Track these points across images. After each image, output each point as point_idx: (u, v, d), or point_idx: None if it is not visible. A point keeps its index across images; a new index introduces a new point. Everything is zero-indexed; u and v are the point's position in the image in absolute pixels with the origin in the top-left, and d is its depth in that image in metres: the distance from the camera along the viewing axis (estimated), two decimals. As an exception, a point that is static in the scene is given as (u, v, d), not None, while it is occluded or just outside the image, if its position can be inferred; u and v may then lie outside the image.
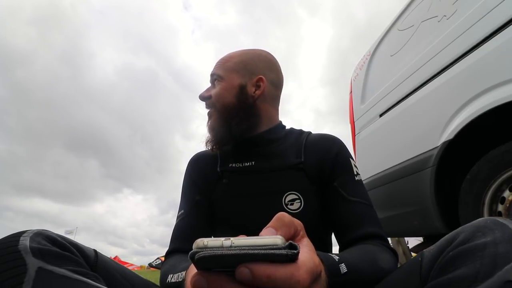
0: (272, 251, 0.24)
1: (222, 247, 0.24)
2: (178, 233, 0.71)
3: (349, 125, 2.47)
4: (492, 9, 1.28)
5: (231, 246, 0.24)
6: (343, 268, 0.43)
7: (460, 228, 0.37)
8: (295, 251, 0.25)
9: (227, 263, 0.24)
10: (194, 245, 0.25)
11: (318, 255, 0.38)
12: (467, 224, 0.37)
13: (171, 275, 0.52)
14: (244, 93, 0.75)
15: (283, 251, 0.24)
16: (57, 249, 0.40)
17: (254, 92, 0.76)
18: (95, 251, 0.50)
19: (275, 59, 0.84)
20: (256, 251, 0.23)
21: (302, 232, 0.31)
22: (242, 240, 0.24)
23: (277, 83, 0.81)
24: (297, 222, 0.31)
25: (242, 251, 0.23)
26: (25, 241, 0.39)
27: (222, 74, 0.77)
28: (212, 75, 0.79)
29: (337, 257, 0.45)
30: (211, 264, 0.25)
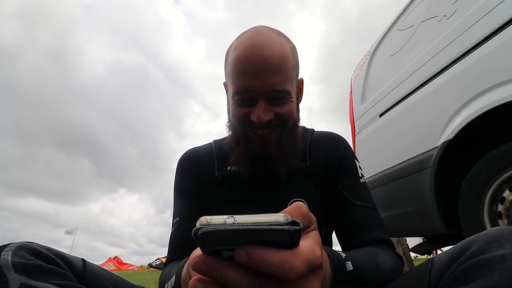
0: (274, 227, 0.24)
1: (224, 224, 0.24)
2: (175, 242, 0.67)
3: (348, 125, 2.47)
4: (492, 9, 1.28)
5: (233, 223, 0.24)
6: (349, 265, 0.43)
7: (473, 236, 0.36)
8: (297, 227, 0.24)
9: (229, 241, 0.24)
10: (198, 222, 0.25)
11: (325, 250, 0.38)
12: (481, 233, 0.36)
13: (166, 284, 0.51)
14: (297, 104, 0.67)
15: (285, 227, 0.24)
16: (41, 263, 0.39)
17: (298, 98, 0.68)
18: (83, 260, 0.49)
19: None
20: (257, 227, 0.24)
21: (314, 225, 0.31)
22: (245, 218, 0.24)
23: None
24: (312, 216, 0.31)
25: (244, 227, 0.24)
26: (6, 256, 0.37)
27: (291, 89, 0.61)
28: (278, 91, 0.59)
29: (344, 255, 0.44)
30: (213, 241, 0.24)
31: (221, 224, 0.24)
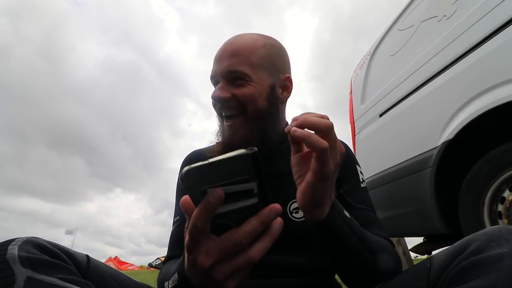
0: (233, 154, 0.30)
1: (201, 164, 0.30)
2: (174, 240, 0.69)
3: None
4: (492, 9, 1.28)
5: (207, 161, 0.30)
6: (347, 214, 0.49)
7: (472, 235, 0.36)
8: (253, 149, 0.30)
9: (208, 178, 0.30)
10: (183, 170, 0.30)
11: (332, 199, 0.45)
12: (479, 232, 0.36)
13: (167, 282, 0.51)
14: (274, 96, 0.67)
15: (243, 151, 0.30)
16: (47, 257, 0.40)
17: (282, 94, 0.69)
18: (87, 256, 0.50)
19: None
20: (223, 157, 0.30)
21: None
22: (216, 157, 0.30)
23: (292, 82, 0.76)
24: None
25: (215, 159, 0.29)
26: (13, 250, 0.38)
27: (250, 72, 0.63)
28: (232, 71, 0.63)
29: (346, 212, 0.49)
30: (195, 180, 0.30)
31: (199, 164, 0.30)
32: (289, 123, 0.78)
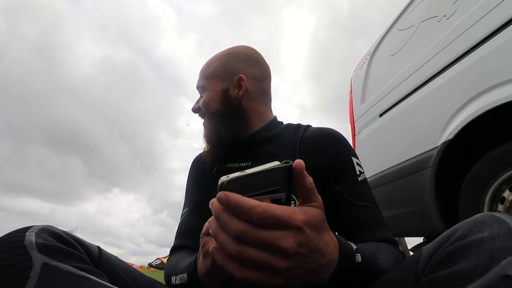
0: (270, 166, 0.32)
1: (239, 175, 0.32)
2: (181, 230, 0.74)
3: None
4: (492, 9, 1.28)
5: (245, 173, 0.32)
6: (358, 257, 0.43)
7: (458, 224, 0.37)
8: (289, 162, 0.32)
9: (245, 188, 0.32)
10: (219, 181, 0.33)
11: (338, 238, 0.41)
12: (465, 220, 0.37)
13: (174, 277, 0.53)
14: (228, 97, 0.75)
15: (280, 164, 0.32)
16: (62, 245, 0.41)
17: (237, 93, 0.75)
18: (99, 248, 0.51)
19: (255, 52, 0.82)
20: (259, 169, 0.32)
21: (316, 204, 0.36)
22: (252, 169, 0.33)
23: (260, 77, 0.79)
24: (318, 197, 0.36)
25: (252, 171, 0.32)
26: (30, 237, 0.39)
27: (205, 84, 0.78)
28: (197, 87, 0.80)
29: (355, 247, 0.44)
30: (234, 189, 0.32)
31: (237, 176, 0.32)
32: (277, 119, 0.83)
